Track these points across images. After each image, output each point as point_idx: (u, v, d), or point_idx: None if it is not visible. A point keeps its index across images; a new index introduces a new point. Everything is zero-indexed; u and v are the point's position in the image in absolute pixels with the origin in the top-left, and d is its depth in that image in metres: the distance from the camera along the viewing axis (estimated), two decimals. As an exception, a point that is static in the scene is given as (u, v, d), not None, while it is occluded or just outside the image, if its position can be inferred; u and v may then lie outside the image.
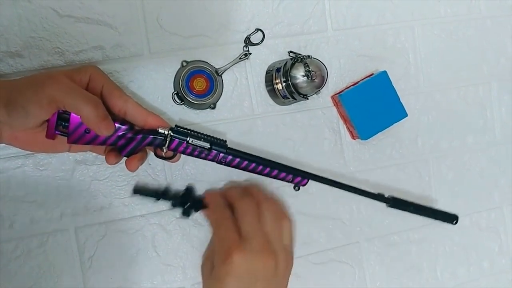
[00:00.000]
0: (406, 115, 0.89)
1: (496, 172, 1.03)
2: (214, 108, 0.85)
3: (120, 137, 0.71)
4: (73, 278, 0.79)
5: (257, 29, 0.86)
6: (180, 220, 0.84)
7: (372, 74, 0.92)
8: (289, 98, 0.84)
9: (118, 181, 0.81)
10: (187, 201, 0.79)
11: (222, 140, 0.77)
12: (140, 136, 0.72)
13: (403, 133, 0.96)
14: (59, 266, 0.78)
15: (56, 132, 0.69)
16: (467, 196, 1.01)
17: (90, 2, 0.78)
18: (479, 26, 1.00)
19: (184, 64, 0.82)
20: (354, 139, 0.92)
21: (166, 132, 0.72)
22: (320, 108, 0.91)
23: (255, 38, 0.86)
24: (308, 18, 0.89)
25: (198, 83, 0.82)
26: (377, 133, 0.89)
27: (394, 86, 0.89)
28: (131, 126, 0.72)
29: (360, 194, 0.85)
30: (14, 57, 0.75)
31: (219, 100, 0.85)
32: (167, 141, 0.73)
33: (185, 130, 0.74)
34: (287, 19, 0.88)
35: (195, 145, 0.74)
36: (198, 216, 0.85)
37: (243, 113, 0.87)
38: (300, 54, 0.83)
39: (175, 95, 0.82)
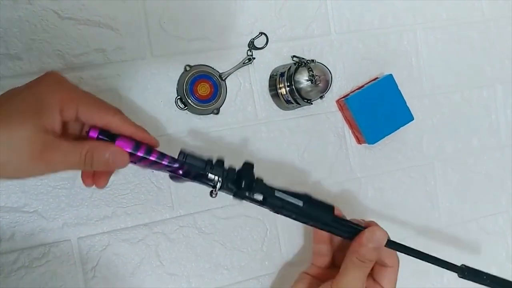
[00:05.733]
0: (413, 119, 0.89)
1: (503, 175, 1.02)
2: (217, 113, 0.83)
3: (167, 171, 0.65)
4: (75, 289, 0.77)
5: (261, 33, 0.85)
6: (184, 228, 0.82)
7: (376, 78, 0.91)
8: (293, 103, 0.83)
9: (121, 189, 0.79)
10: (243, 179, 0.66)
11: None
12: (187, 179, 0.66)
13: (408, 137, 0.95)
14: (61, 277, 0.76)
15: None
16: (473, 200, 1.00)
17: (91, 4, 0.76)
18: (482, 28, 1.00)
19: (188, 68, 0.81)
20: (360, 143, 0.91)
21: (216, 179, 0.66)
22: (325, 113, 0.90)
23: (259, 42, 0.85)
24: (311, 21, 0.88)
25: (202, 88, 0.81)
26: (384, 137, 0.88)
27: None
28: (180, 166, 0.65)
29: (435, 264, 0.74)
30: (13, 59, 0.73)
31: (223, 105, 0.84)
32: (217, 188, 0.66)
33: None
34: (290, 22, 0.87)
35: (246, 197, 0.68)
36: (202, 224, 0.83)
37: (246, 118, 0.85)
38: (304, 59, 0.83)
39: (179, 100, 0.80)
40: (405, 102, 0.88)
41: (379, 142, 0.88)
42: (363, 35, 0.92)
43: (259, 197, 0.68)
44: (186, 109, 0.81)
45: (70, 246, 0.76)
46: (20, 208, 0.74)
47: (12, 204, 0.74)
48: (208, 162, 0.66)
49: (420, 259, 0.73)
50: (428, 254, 0.73)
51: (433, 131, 0.97)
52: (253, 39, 0.85)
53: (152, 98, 0.80)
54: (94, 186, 0.76)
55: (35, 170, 0.56)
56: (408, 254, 0.72)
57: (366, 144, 0.89)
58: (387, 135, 0.88)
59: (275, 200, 0.68)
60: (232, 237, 0.85)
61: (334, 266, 0.78)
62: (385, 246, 0.70)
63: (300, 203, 0.68)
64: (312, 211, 0.69)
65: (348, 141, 0.91)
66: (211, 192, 0.67)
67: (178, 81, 0.81)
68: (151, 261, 0.81)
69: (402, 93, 0.88)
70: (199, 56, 0.82)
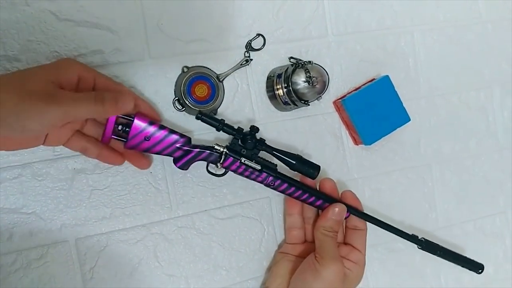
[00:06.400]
0: (409, 120, 0.89)
1: (501, 177, 1.02)
2: (215, 114, 0.83)
3: (177, 148, 0.74)
4: (74, 290, 0.77)
5: (258, 34, 0.85)
6: (182, 229, 0.82)
7: (373, 79, 0.91)
8: (290, 104, 0.83)
9: (119, 190, 0.79)
10: (249, 140, 0.77)
11: (273, 164, 0.79)
12: (197, 150, 0.75)
13: (405, 139, 0.95)
14: (59, 278, 0.76)
15: (113, 136, 0.72)
16: (471, 201, 1.00)
17: (89, 5, 0.76)
18: (480, 30, 1.00)
19: (185, 69, 0.81)
20: (357, 144, 0.91)
21: (222, 150, 0.76)
22: (322, 114, 0.90)
23: (256, 44, 0.85)
24: (308, 23, 0.89)
25: (200, 89, 0.81)
26: (380, 138, 0.88)
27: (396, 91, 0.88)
28: (189, 139, 0.75)
29: (395, 233, 0.85)
30: (11, 61, 0.73)
31: (220, 106, 0.84)
32: (222, 158, 0.76)
33: (240, 150, 0.78)
34: (287, 24, 0.88)
35: (247, 165, 0.78)
36: (200, 225, 0.83)
37: (244, 119, 0.85)
38: (301, 60, 0.83)
39: (176, 101, 0.81)
40: (402, 103, 0.88)
41: (376, 143, 0.89)
42: (360, 37, 0.92)
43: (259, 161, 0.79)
44: (183, 110, 0.81)
45: (68, 247, 0.77)
46: (18, 209, 0.74)
47: (11, 205, 0.74)
48: (221, 121, 0.77)
49: (380, 226, 0.85)
50: (388, 224, 0.85)
51: (430, 132, 0.97)
52: (251, 40, 0.85)
53: (150, 99, 0.80)
54: (92, 188, 0.77)
55: (49, 114, 0.60)
56: (368, 221, 0.84)
57: (363, 145, 0.89)
58: (383, 136, 0.88)
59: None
60: (230, 237, 0.85)
61: (306, 241, 0.87)
62: (353, 215, 0.83)
63: (293, 161, 0.80)
64: (302, 167, 0.80)
65: (345, 142, 0.91)
66: (216, 162, 0.77)
67: (176, 82, 0.81)
68: (149, 262, 0.81)
69: (400, 95, 0.89)
70: (197, 57, 0.82)
